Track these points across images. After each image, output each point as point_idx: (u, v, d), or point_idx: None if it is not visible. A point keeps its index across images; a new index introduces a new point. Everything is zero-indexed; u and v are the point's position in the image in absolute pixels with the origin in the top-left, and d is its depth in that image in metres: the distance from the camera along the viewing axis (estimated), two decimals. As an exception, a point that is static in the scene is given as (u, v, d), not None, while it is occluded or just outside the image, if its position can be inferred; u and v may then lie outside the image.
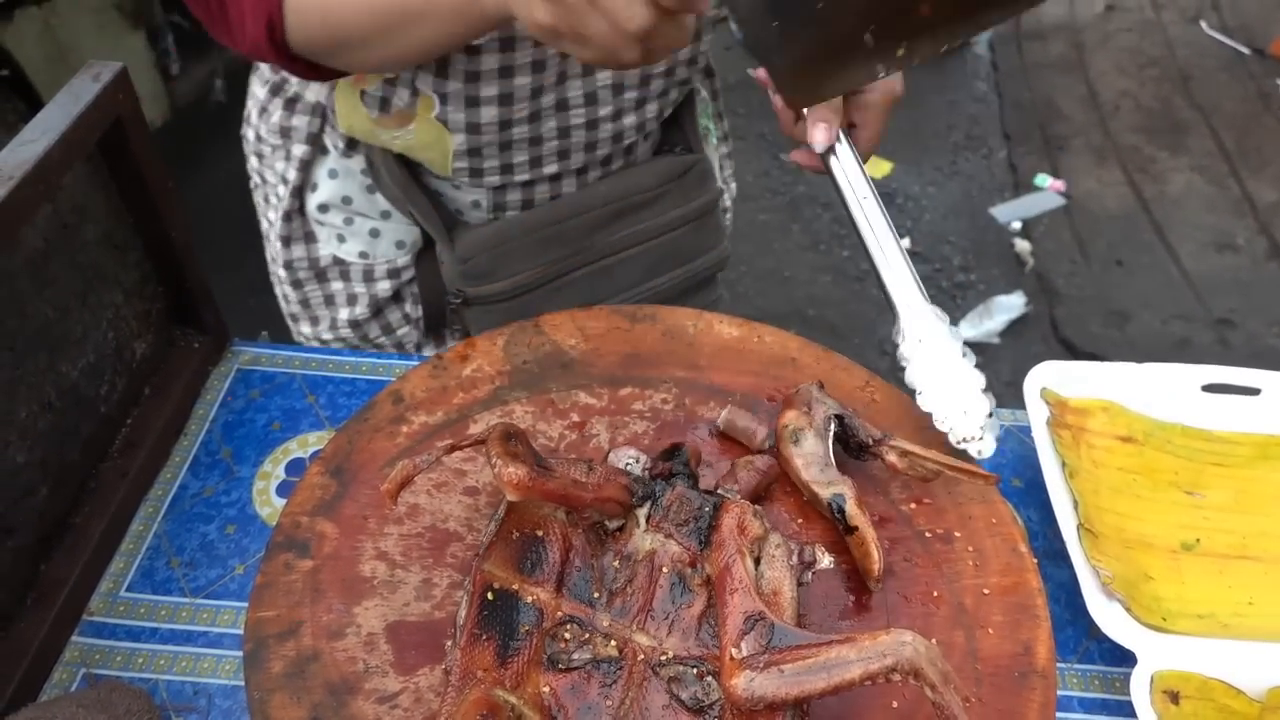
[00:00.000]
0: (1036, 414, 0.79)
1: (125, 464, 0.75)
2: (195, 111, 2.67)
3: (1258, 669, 0.66)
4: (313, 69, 0.77)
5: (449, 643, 0.60)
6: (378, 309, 1.00)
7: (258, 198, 1.02)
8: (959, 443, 0.71)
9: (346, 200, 0.93)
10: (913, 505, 0.70)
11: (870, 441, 0.69)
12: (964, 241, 2.79)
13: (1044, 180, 2.99)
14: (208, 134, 2.81)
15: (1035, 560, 0.66)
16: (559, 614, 0.60)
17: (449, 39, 0.72)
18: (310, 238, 0.97)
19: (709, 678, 0.57)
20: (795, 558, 0.63)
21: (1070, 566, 0.71)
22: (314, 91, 0.89)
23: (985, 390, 0.72)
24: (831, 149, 0.76)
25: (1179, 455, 0.81)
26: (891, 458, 0.67)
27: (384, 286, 0.98)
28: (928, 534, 0.68)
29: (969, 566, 0.66)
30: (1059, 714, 0.66)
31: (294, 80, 0.89)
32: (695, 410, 0.75)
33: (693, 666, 0.58)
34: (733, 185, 1.15)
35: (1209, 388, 0.83)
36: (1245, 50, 3.50)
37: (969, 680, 0.60)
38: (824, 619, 0.64)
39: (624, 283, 0.99)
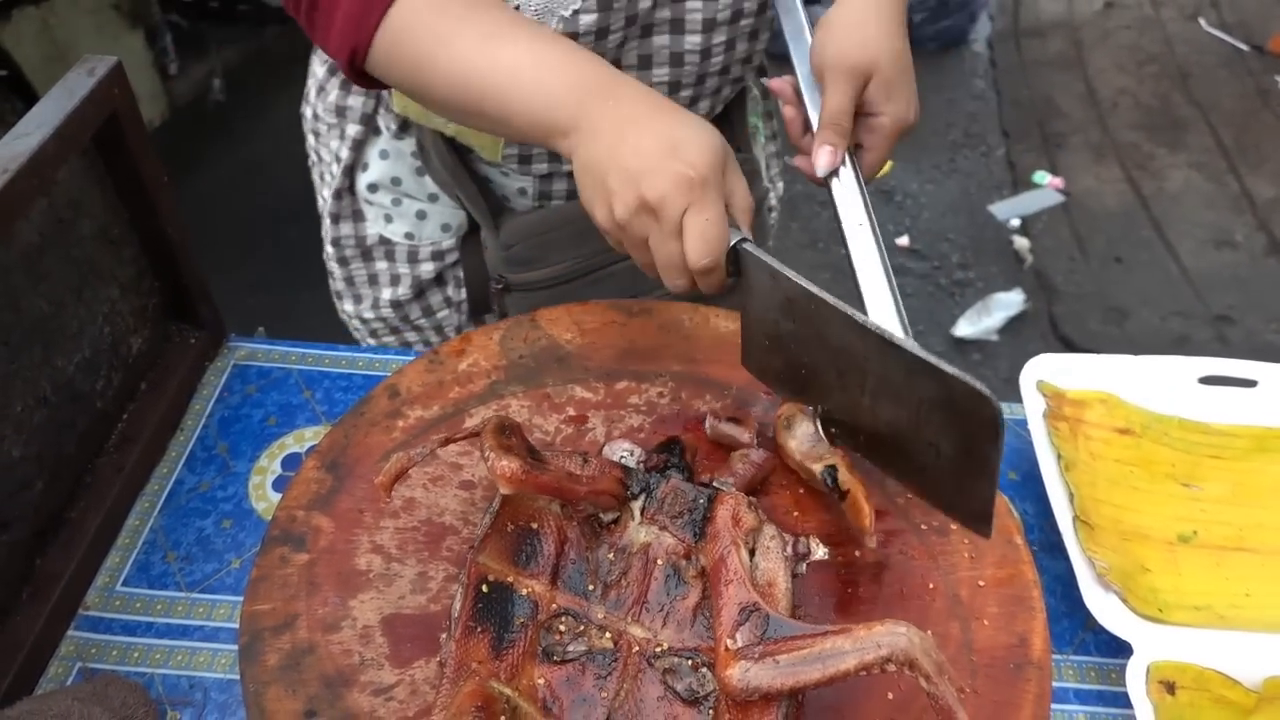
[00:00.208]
0: (1033, 406, 0.79)
1: (121, 459, 0.76)
2: (194, 111, 2.67)
3: (1254, 660, 0.66)
4: (381, 85, 0.77)
5: (444, 635, 0.60)
6: (420, 290, 1.01)
7: (314, 175, 1.04)
8: None
9: (396, 181, 0.95)
10: (908, 497, 0.70)
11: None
12: (963, 239, 2.79)
13: (1042, 177, 2.98)
14: (206, 133, 2.82)
15: (1031, 552, 0.66)
16: (554, 606, 0.60)
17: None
18: (358, 216, 0.99)
19: (704, 669, 0.57)
20: (790, 549, 0.63)
21: (1066, 558, 0.71)
22: None
23: None
24: (835, 172, 0.76)
25: (1176, 447, 0.80)
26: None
27: (427, 268, 0.99)
28: (923, 526, 0.68)
29: (964, 558, 0.66)
30: (1054, 705, 0.66)
31: None
32: (691, 404, 0.75)
33: (688, 658, 0.58)
34: (779, 185, 1.14)
35: (1206, 380, 0.83)
36: (1244, 47, 3.50)
37: (964, 671, 0.60)
38: (818, 610, 0.64)
39: (660, 281, 0.98)
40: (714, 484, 0.66)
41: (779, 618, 0.55)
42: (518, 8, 0.75)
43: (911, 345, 0.58)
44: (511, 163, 0.90)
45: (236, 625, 0.64)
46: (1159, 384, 0.83)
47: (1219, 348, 2.45)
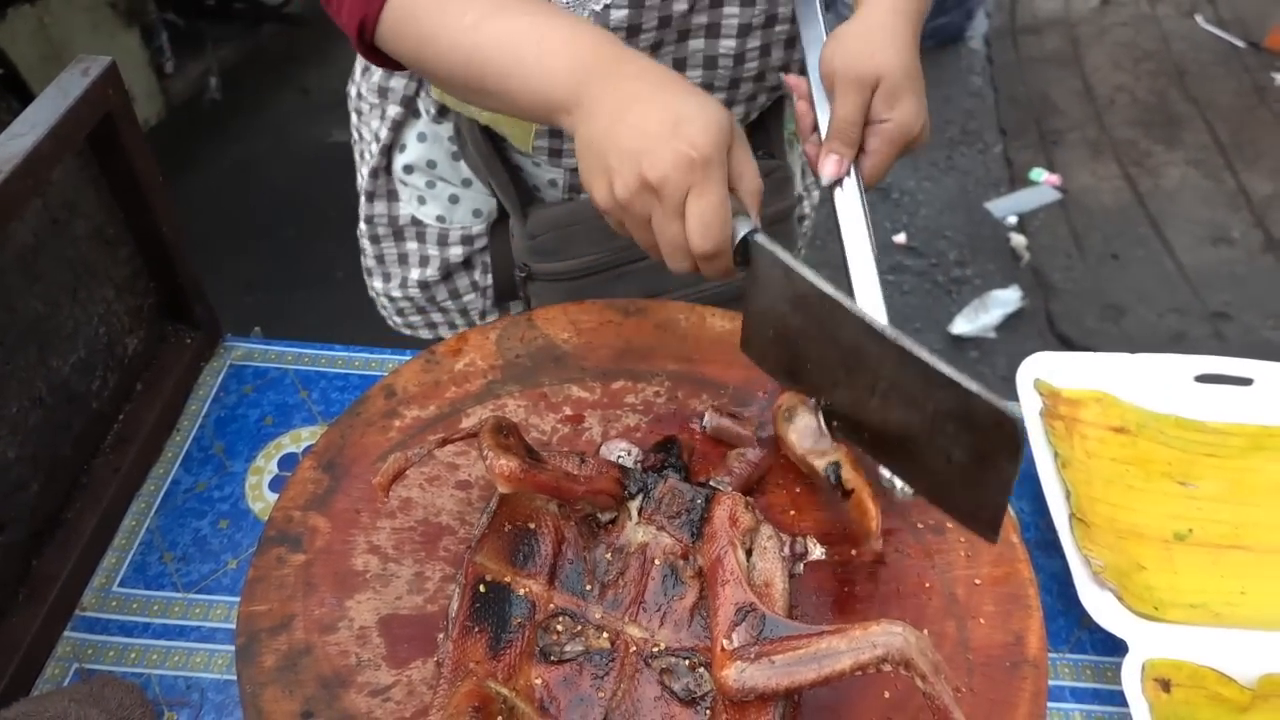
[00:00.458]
0: (1029, 405, 0.79)
1: (117, 459, 0.75)
2: (190, 110, 2.66)
3: (1249, 657, 0.66)
4: (394, 63, 0.77)
5: (441, 635, 0.60)
6: (448, 273, 1.02)
7: (356, 154, 1.05)
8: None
9: (431, 164, 0.96)
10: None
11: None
12: (960, 236, 2.79)
13: (1039, 175, 2.98)
14: (203, 132, 2.81)
15: (1027, 550, 0.66)
16: (551, 606, 0.60)
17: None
18: (392, 196, 1.00)
19: (701, 669, 0.57)
20: (787, 549, 0.63)
21: (1062, 557, 0.71)
22: None
23: None
24: (839, 181, 0.75)
25: (1172, 446, 0.81)
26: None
27: (456, 252, 1.00)
28: (920, 525, 0.68)
29: (961, 557, 0.66)
30: (1050, 703, 0.67)
31: None
32: (688, 403, 0.75)
33: (685, 658, 0.58)
34: (814, 193, 1.13)
35: (1202, 378, 0.83)
36: (1240, 44, 3.50)
37: (960, 670, 0.60)
38: (815, 609, 0.64)
39: (684, 279, 0.98)
40: (711, 483, 0.66)
41: (775, 618, 0.55)
42: None
43: (935, 360, 0.57)
44: (542, 154, 0.90)
45: (233, 626, 0.64)
46: (1155, 383, 0.83)
47: (1215, 344, 2.45)
